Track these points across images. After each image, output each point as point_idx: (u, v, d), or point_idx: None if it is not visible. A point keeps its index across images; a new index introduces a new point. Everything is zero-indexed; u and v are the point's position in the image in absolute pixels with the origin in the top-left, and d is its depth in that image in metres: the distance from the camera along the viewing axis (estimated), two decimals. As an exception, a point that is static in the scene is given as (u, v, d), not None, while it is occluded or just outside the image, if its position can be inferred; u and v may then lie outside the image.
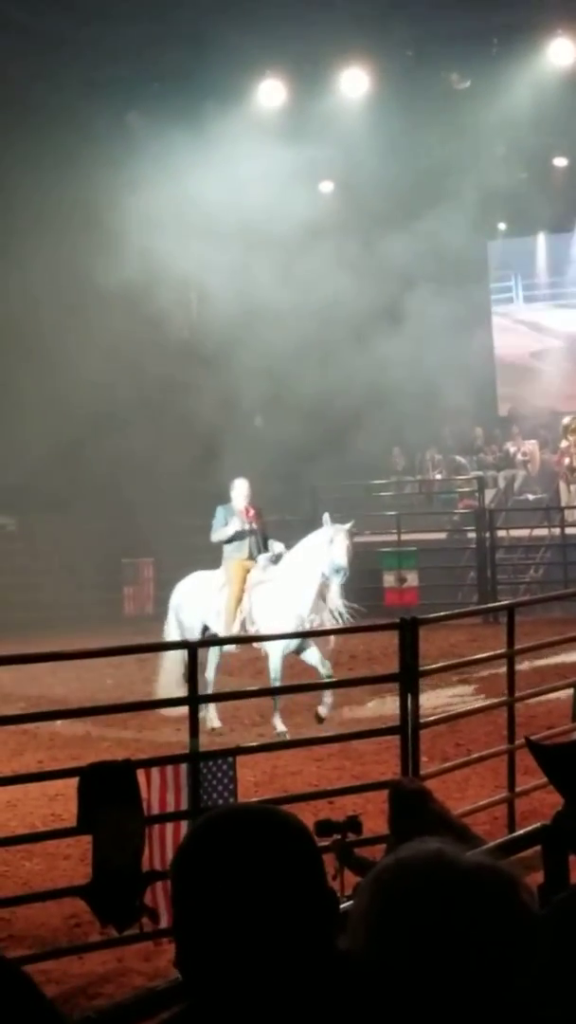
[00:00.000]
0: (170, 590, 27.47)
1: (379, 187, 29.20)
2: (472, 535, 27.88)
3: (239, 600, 17.26)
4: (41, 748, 15.47)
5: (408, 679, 10.18)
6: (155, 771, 9.11)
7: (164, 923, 8.69)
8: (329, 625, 16.54)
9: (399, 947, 2.18)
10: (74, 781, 8.92)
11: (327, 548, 16.88)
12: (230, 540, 17.60)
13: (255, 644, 17.13)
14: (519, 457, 32.73)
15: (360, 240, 29.20)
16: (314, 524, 27.59)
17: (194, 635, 16.52)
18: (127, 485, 27.77)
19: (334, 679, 16.18)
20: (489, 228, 34.53)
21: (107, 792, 8.57)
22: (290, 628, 16.35)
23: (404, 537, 26.90)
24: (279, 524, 29.10)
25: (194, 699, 9.39)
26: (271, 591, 17.06)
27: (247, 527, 17.62)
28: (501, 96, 29.15)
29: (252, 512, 17.77)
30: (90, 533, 28.49)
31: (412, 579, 26.13)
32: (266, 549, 17.57)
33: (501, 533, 28.11)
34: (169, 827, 9.05)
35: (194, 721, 9.38)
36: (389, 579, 26.15)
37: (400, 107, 28.89)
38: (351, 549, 17.14)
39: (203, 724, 14.47)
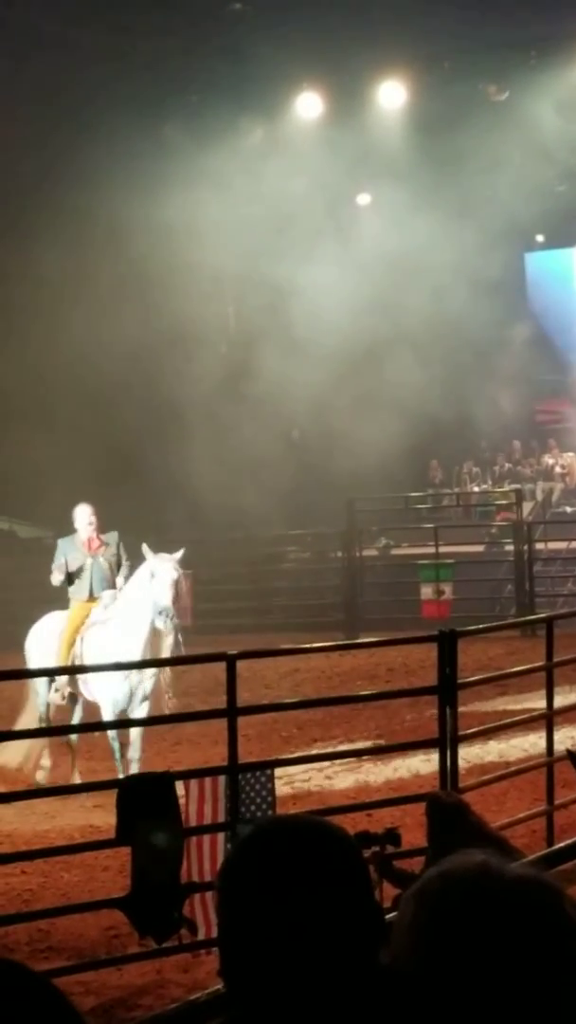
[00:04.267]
0: (209, 602, 27.65)
1: (416, 199, 29.19)
2: (510, 547, 27.80)
3: (70, 645, 14.93)
4: (80, 759, 15.48)
5: (447, 691, 10.16)
6: (193, 783, 9.12)
7: (202, 935, 8.70)
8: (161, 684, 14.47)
9: (444, 961, 2.17)
10: (112, 792, 8.94)
11: (148, 585, 14.41)
12: (70, 580, 15.30)
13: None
14: (557, 469, 32.67)
15: (396, 251, 29.19)
16: (351, 538, 27.83)
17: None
18: (168, 499, 27.81)
19: (133, 761, 13.91)
20: (526, 240, 34.50)
21: (146, 804, 8.57)
22: (117, 683, 14.17)
23: (442, 549, 26.86)
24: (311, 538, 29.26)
25: (233, 711, 9.39)
26: (102, 635, 14.73)
27: (88, 561, 15.29)
28: (539, 107, 29.12)
29: (97, 543, 15.47)
30: (126, 544, 28.47)
31: (449, 591, 26.08)
32: (113, 585, 15.23)
33: (539, 545, 28.02)
34: (206, 839, 9.06)
35: (232, 733, 9.38)
36: (427, 591, 26.10)
37: (437, 119, 28.90)
38: (181, 584, 14.97)
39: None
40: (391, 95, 30.09)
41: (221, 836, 9.11)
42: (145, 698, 14.31)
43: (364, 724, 16.78)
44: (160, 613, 14.12)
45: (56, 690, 14.79)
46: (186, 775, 9.30)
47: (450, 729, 10.14)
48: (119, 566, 15.35)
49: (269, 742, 15.95)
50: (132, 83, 28.75)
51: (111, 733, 14.12)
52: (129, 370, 28.45)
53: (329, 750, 14.68)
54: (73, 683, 14.79)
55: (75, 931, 9.70)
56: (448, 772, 10.09)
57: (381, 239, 29.81)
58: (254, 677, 17.53)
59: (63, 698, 14.82)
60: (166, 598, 14.19)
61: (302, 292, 28.66)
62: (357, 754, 13.24)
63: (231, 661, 9.40)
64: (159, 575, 14.31)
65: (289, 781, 13.44)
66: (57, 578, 15.22)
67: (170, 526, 28.20)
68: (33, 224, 28.69)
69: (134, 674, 14.15)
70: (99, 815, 11.78)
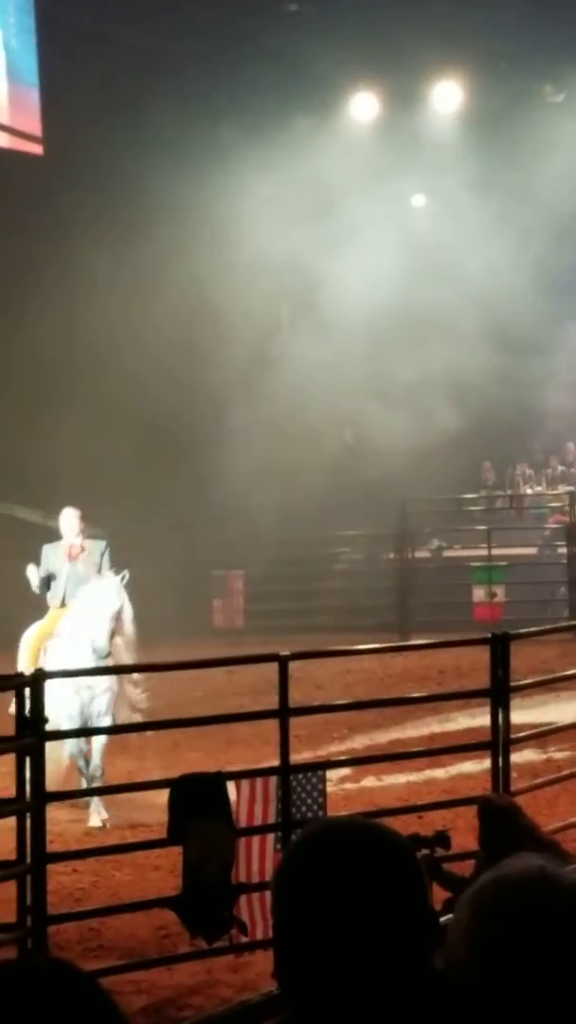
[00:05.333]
0: (260, 603, 27.67)
1: (471, 201, 29.13)
2: (563, 550, 27.69)
3: (36, 655, 14.20)
4: (131, 759, 15.51)
5: (499, 694, 10.13)
6: (245, 783, 9.13)
7: (253, 935, 8.70)
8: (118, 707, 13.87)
9: (500, 968, 2.16)
10: (164, 792, 8.95)
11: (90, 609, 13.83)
12: (48, 587, 14.76)
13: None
14: (611, 472, 32.51)
15: (450, 252, 29.14)
16: (403, 540, 27.80)
17: None
18: (217, 496, 27.84)
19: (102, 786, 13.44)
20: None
21: (198, 803, 8.59)
22: (67, 698, 13.24)
23: (495, 552, 26.77)
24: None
25: (285, 712, 9.39)
26: (58, 649, 14.05)
27: (65, 567, 14.66)
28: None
29: (78, 549, 14.89)
30: (179, 545, 28.57)
31: (502, 594, 26.01)
32: None
33: (593, 548, 27.89)
34: (257, 840, 9.06)
35: (284, 734, 9.38)
36: (479, 593, 26.04)
37: (493, 120, 28.83)
38: (125, 612, 13.98)
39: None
40: (446, 95, 30.03)
41: (271, 837, 9.12)
42: (101, 714, 13.78)
43: (415, 726, 16.74)
44: (95, 652, 13.49)
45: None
46: (238, 775, 9.30)
47: (502, 732, 10.11)
48: (108, 568, 14.72)
49: (320, 743, 15.95)
50: (187, 83, 28.86)
51: (74, 748, 13.55)
52: (174, 363, 28.55)
53: (380, 752, 14.66)
54: None
55: (126, 930, 9.72)
56: (500, 775, 10.06)
57: (435, 239, 29.77)
58: (305, 678, 17.51)
59: None
60: (102, 638, 13.54)
61: (355, 290, 28.63)
62: (408, 756, 13.20)
63: (283, 662, 9.40)
64: (98, 605, 13.71)
65: (340, 782, 13.43)
66: (32, 583, 14.63)
67: (220, 525, 28.29)
68: (80, 212, 28.86)
69: (83, 690, 13.57)
70: (150, 814, 11.79)
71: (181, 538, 28.62)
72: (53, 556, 14.76)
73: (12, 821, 8.78)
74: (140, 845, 10.10)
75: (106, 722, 13.63)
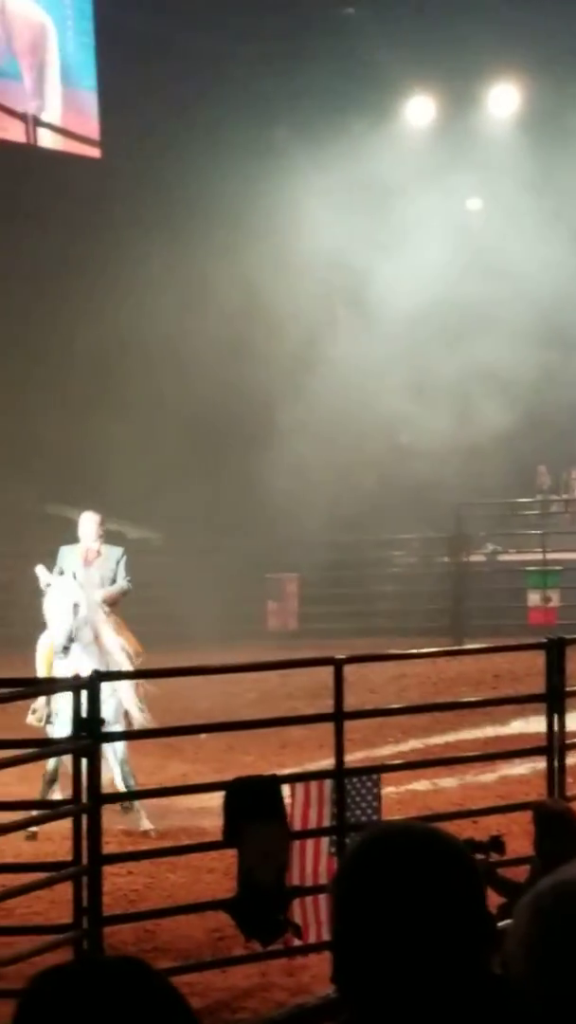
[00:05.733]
0: (313, 606, 27.66)
1: (526, 202, 29.05)
2: (618, 554, 27.58)
3: (50, 664, 13.79)
4: (185, 761, 15.58)
5: (554, 699, 10.11)
6: (299, 786, 9.15)
7: (308, 939, 8.72)
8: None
9: (558, 972, 2.17)
10: (218, 794, 8.98)
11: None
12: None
13: None
14: None
15: (508, 258, 29.07)
16: (458, 543, 27.75)
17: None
18: (271, 499, 27.87)
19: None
20: None
21: (253, 807, 8.61)
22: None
23: (550, 556, 26.68)
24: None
25: (340, 715, 9.40)
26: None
27: (79, 571, 14.10)
28: None
29: (94, 554, 14.61)
30: (233, 547, 28.62)
31: (557, 599, 25.92)
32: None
33: None
34: (311, 843, 9.08)
35: (339, 737, 9.39)
36: (534, 598, 25.97)
37: (549, 123, 28.75)
38: (80, 608, 13.47)
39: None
40: (503, 98, 29.98)
41: (325, 841, 9.13)
42: (109, 723, 12.28)
43: (470, 730, 16.71)
44: (57, 653, 13.20)
45: (33, 711, 13.66)
46: (292, 779, 9.32)
47: (557, 737, 10.09)
48: (113, 582, 14.44)
49: (374, 746, 15.95)
50: (243, 85, 28.95)
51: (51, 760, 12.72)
52: (226, 363, 28.61)
53: (434, 756, 14.64)
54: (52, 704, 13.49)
55: (180, 932, 9.75)
56: (555, 780, 10.04)
57: (488, 240, 29.71)
58: (359, 681, 17.49)
59: (39, 721, 13.55)
60: (61, 635, 13.21)
61: (406, 291, 28.63)
62: (463, 760, 13.19)
63: (339, 665, 9.41)
64: (56, 604, 13.37)
65: (394, 786, 13.41)
66: (41, 582, 13.96)
67: (273, 526, 28.33)
68: (136, 213, 29.04)
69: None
70: (206, 817, 11.83)
71: (234, 540, 28.66)
72: (69, 558, 14.47)
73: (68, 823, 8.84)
74: (195, 847, 10.13)
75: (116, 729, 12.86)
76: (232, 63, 28.68)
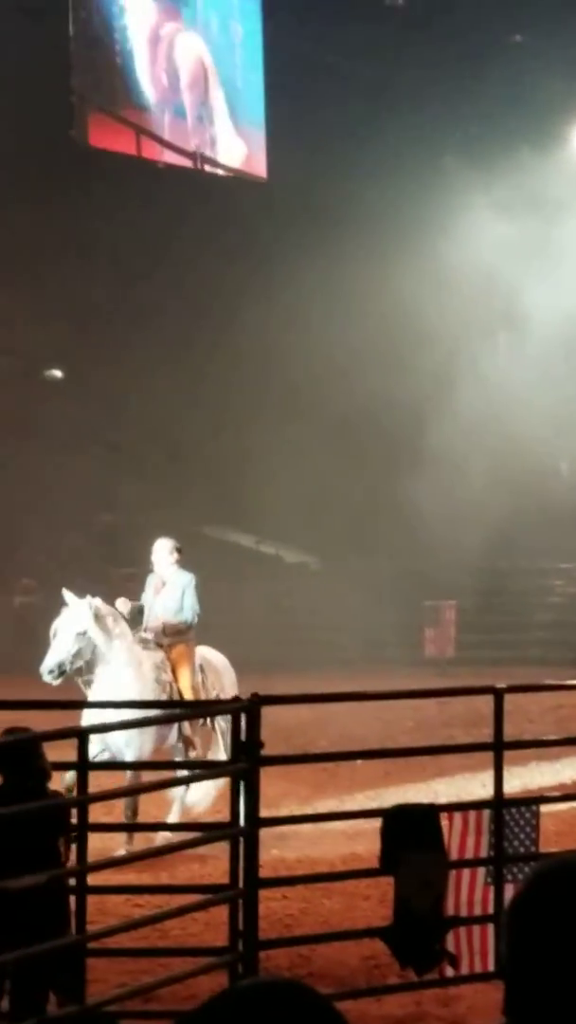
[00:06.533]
0: (471, 633, 27.51)
1: None
2: None
3: None
4: (341, 787, 15.53)
5: None
6: (457, 816, 9.08)
7: (464, 969, 8.64)
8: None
9: (534, 957, 2.15)
10: (373, 821, 8.94)
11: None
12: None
13: None
14: None
15: None
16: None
17: None
18: (427, 524, 27.81)
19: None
20: None
21: (411, 835, 8.56)
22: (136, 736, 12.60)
23: None
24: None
25: (500, 745, 9.32)
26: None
27: (150, 601, 14.00)
28: None
29: (160, 583, 14.14)
30: (392, 574, 28.59)
31: None
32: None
33: None
34: (467, 873, 9.00)
35: (498, 767, 9.31)
36: None
37: None
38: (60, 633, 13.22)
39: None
40: None
41: (482, 871, 9.05)
42: (120, 747, 12.72)
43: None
44: (48, 673, 13.05)
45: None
46: (450, 808, 9.25)
47: None
48: (181, 610, 13.96)
49: (531, 776, 15.79)
50: (411, 113, 29.05)
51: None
52: (384, 389, 28.68)
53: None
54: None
55: (335, 958, 9.71)
56: None
57: None
58: (516, 711, 17.27)
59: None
60: (51, 659, 13.05)
61: (568, 318, 28.46)
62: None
63: (499, 695, 9.33)
64: (64, 627, 13.19)
65: (552, 817, 13.25)
66: (122, 613, 13.82)
67: (431, 553, 28.24)
68: (298, 234, 29.27)
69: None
70: (361, 843, 11.78)
71: (391, 565, 28.65)
72: (148, 588, 14.16)
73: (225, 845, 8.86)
74: (351, 874, 10.10)
75: (128, 752, 12.70)
76: (400, 90, 28.82)
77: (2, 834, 7.51)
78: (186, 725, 13.34)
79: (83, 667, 13.19)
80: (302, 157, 29.82)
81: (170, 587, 13.98)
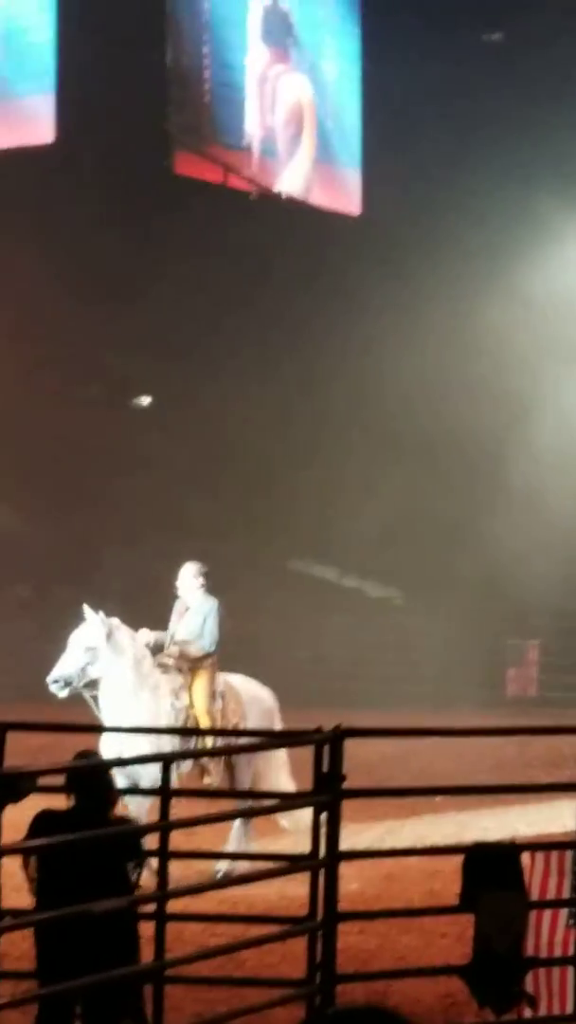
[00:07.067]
0: (555, 674, 27.35)
1: None
2: None
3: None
4: (420, 823, 15.48)
5: None
6: (539, 855, 9.00)
7: (542, 1010, 8.56)
8: None
9: None
10: (452, 859, 8.89)
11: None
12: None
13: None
14: None
15: None
16: None
17: None
18: (515, 565, 27.70)
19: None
20: None
21: (492, 873, 8.50)
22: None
23: None
24: None
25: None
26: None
27: (173, 627, 14.00)
28: None
29: (183, 607, 14.07)
30: (476, 611, 28.49)
31: None
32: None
33: None
34: (548, 913, 8.91)
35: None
36: None
37: None
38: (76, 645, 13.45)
39: None
40: None
41: (564, 912, 8.96)
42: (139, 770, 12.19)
43: None
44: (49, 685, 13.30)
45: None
46: (532, 847, 9.18)
47: None
48: (201, 636, 13.86)
49: None
50: (508, 151, 29.11)
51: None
52: (481, 429, 28.69)
53: None
54: None
55: (411, 995, 9.65)
56: None
57: None
58: (600, 752, 17.23)
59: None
60: (57, 670, 13.29)
61: None
62: None
63: (585, 735, 9.27)
64: (74, 636, 13.44)
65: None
66: (145, 642, 13.86)
67: (511, 591, 28.13)
68: (392, 265, 29.46)
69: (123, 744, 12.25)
70: (440, 881, 11.72)
71: (474, 602, 28.57)
72: (174, 614, 14.07)
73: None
74: (430, 911, 10.05)
75: (145, 776, 12.18)
76: (498, 128, 28.89)
77: (76, 858, 7.53)
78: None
79: (91, 683, 13.33)
80: (395, 193, 29.90)
81: (192, 613, 13.93)
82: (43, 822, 7.75)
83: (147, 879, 8.09)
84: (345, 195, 30.45)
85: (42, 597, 26.71)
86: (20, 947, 7.82)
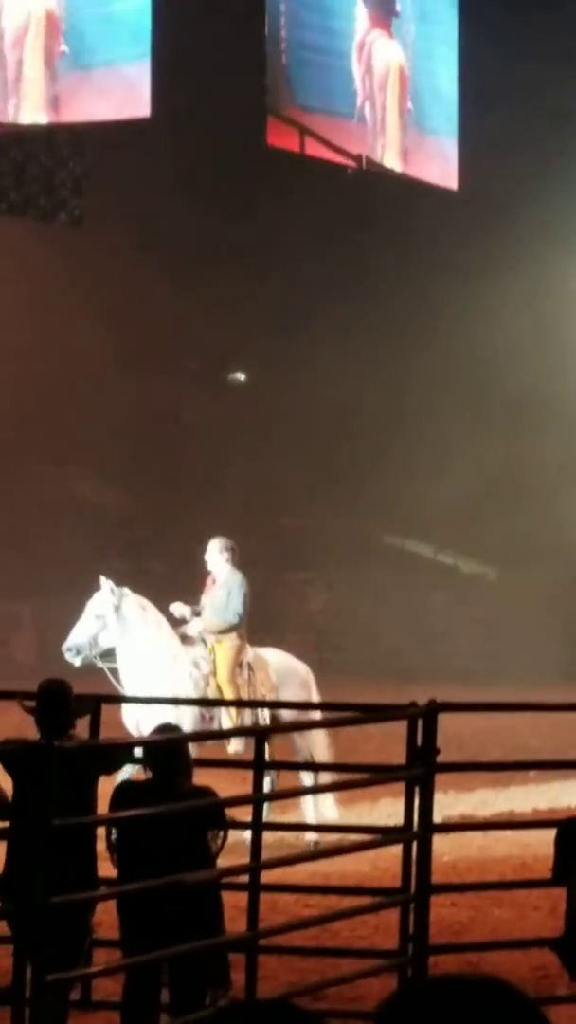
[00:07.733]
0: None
1: None
2: None
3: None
4: (513, 796, 15.48)
5: None
6: None
7: None
8: None
9: None
10: (544, 832, 8.91)
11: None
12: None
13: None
14: None
15: None
16: None
17: None
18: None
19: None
20: None
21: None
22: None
23: None
24: None
25: None
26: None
27: (203, 601, 14.06)
28: None
29: (210, 581, 14.13)
30: (569, 585, 28.39)
31: None
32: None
33: None
34: None
35: None
36: None
37: None
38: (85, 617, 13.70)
39: None
40: None
41: None
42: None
43: None
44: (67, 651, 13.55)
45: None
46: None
47: None
48: (225, 609, 13.88)
49: None
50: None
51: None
52: (545, 398, 28.73)
53: None
54: None
55: (504, 967, 9.67)
56: None
57: None
58: None
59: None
60: (72, 637, 13.56)
61: None
62: None
63: None
64: (88, 605, 13.67)
65: None
66: (180, 616, 14.02)
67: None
68: (485, 244, 29.41)
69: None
70: (531, 853, 11.74)
71: (570, 577, 28.47)
72: (205, 591, 14.18)
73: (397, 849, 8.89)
74: (523, 884, 10.08)
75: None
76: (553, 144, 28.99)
77: (157, 828, 7.65)
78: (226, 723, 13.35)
79: (107, 653, 13.51)
80: (492, 167, 29.75)
81: (219, 587, 13.99)
82: (124, 793, 7.93)
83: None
84: (443, 168, 30.18)
85: (141, 571, 26.83)
86: (113, 916, 7.95)
